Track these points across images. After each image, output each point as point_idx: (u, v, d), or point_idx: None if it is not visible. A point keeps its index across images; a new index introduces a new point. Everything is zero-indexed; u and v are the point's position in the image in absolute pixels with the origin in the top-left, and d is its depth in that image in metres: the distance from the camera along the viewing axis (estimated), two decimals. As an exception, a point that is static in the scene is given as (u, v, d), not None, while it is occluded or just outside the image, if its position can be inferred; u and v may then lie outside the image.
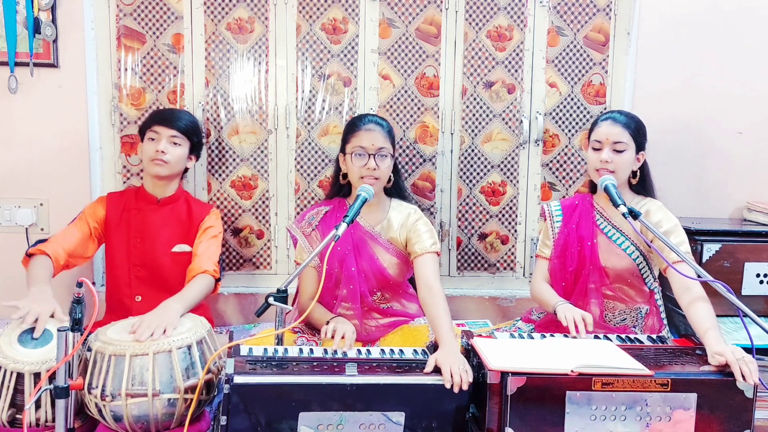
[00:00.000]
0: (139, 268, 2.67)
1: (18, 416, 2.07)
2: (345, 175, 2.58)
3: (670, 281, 2.38)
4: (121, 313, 2.45)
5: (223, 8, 2.95)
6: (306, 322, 2.55)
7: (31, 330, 2.15)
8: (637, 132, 2.50)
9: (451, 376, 1.96)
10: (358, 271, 2.53)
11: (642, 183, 2.58)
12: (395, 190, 2.65)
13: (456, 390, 1.96)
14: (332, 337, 2.24)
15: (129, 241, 2.67)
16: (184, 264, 2.65)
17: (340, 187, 2.64)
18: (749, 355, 2.02)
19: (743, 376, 1.96)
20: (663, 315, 2.62)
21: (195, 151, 2.75)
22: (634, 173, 2.54)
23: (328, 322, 2.36)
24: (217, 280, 2.61)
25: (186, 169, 2.75)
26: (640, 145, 2.52)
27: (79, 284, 1.88)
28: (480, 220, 3.13)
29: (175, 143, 2.65)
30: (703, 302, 2.26)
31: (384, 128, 2.55)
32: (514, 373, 1.92)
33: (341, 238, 2.44)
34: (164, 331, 2.11)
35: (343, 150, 2.57)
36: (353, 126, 2.56)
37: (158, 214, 2.69)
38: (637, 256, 2.52)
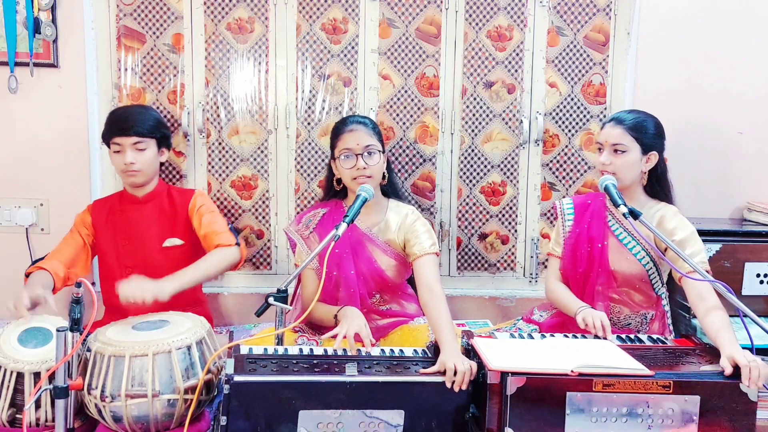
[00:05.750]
0: (131, 270, 2.64)
1: (18, 416, 2.07)
2: (339, 180, 2.57)
3: (685, 290, 2.34)
4: (120, 315, 2.43)
5: (223, 8, 2.95)
6: (308, 322, 2.55)
7: (31, 330, 2.15)
8: (642, 132, 2.44)
9: (455, 375, 1.96)
10: (356, 274, 2.52)
11: (657, 186, 2.51)
12: (391, 188, 2.64)
13: (456, 389, 1.96)
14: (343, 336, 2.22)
15: (117, 242, 2.67)
16: (176, 259, 2.63)
17: (335, 192, 2.63)
18: (761, 361, 1.98)
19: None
20: (669, 321, 2.59)
21: (164, 144, 2.72)
22: (648, 176, 2.49)
23: (336, 316, 2.36)
24: (237, 245, 2.63)
25: (161, 163, 2.74)
26: (647, 146, 2.44)
27: (78, 284, 1.88)
28: (480, 220, 3.13)
29: (140, 149, 2.61)
30: (718, 310, 2.22)
31: (368, 125, 2.53)
32: (514, 373, 1.92)
33: (339, 241, 2.43)
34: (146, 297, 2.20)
35: (333, 156, 2.57)
36: (337, 130, 2.56)
37: (141, 211, 2.69)
38: (648, 262, 2.48)
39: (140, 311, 2.31)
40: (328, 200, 2.66)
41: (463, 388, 1.96)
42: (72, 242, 2.65)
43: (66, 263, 2.57)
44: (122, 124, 2.62)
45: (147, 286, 2.26)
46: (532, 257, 3.13)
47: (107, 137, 2.64)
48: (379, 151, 2.51)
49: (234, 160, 3.03)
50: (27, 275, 2.52)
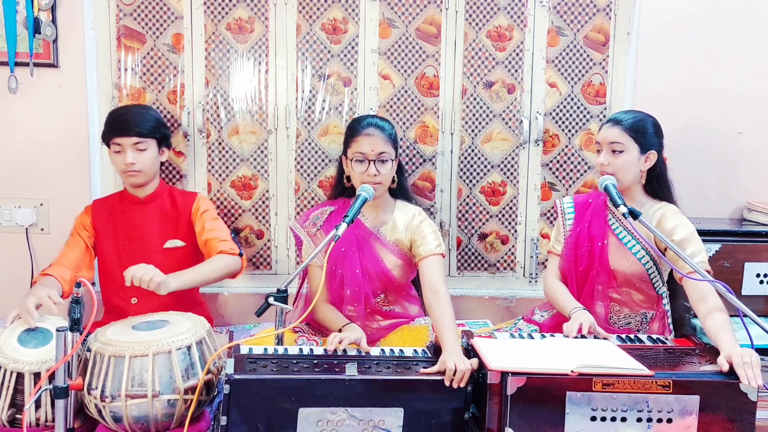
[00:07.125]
0: None
1: (18, 416, 2.08)
2: (349, 177, 2.57)
3: (686, 291, 2.34)
4: (119, 315, 2.44)
5: (223, 8, 2.95)
6: (311, 322, 2.55)
7: (32, 330, 2.15)
8: (640, 132, 2.44)
9: (454, 374, 1.96)
10: (362, 273, 2.52)
11: (656, 185, 2.51)
12: (400, 191, 2.64)
13: (456, 385, 1.96)
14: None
15: (118, 243, 2.66)
16: (177, 260, 2.63)
17: (344, 188, 2.62)
18: (757, 357, 1.98)
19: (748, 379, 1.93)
20: (669, 320, 2.59)
21: (164, 144, 2.71)
22: (647, 176, 2.49)
23: (340, 330, 2.34)
24: (241, 255, 2.62)
25: (162, 163, 2.73)
26: (645, 146, 2.44)
27: (78, 284, 1.88)
28: (480, 220, 3.13)
29: (140, 149, 2.60)
30: (719, 311, 2.21)
31: (385, 131, 2.52)
32: (514, 373, 1.92)
33: (345, 239, 2.43)
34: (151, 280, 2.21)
35: (345, 153, 2.56)
36: (353, 129, 2.54)
37: (143, 212, 2.68)
38: (648, 261, 2.48)
39: (139, 312, 2.31)
40: (336, 198, 2.65)
41: (462, 385, 1.97)
42: (74, 246, 2.63)
43: (72, 268, 2.55)
44: (122, 124, 2.61)
45: (156, 272, 2.25)
46: (532, 257, 3.13)
47: (107, 137, 2.63)
48: (392, 159, 2.50)
49: (234, 160, 3.03)
50: (33, 284, 2.51)
